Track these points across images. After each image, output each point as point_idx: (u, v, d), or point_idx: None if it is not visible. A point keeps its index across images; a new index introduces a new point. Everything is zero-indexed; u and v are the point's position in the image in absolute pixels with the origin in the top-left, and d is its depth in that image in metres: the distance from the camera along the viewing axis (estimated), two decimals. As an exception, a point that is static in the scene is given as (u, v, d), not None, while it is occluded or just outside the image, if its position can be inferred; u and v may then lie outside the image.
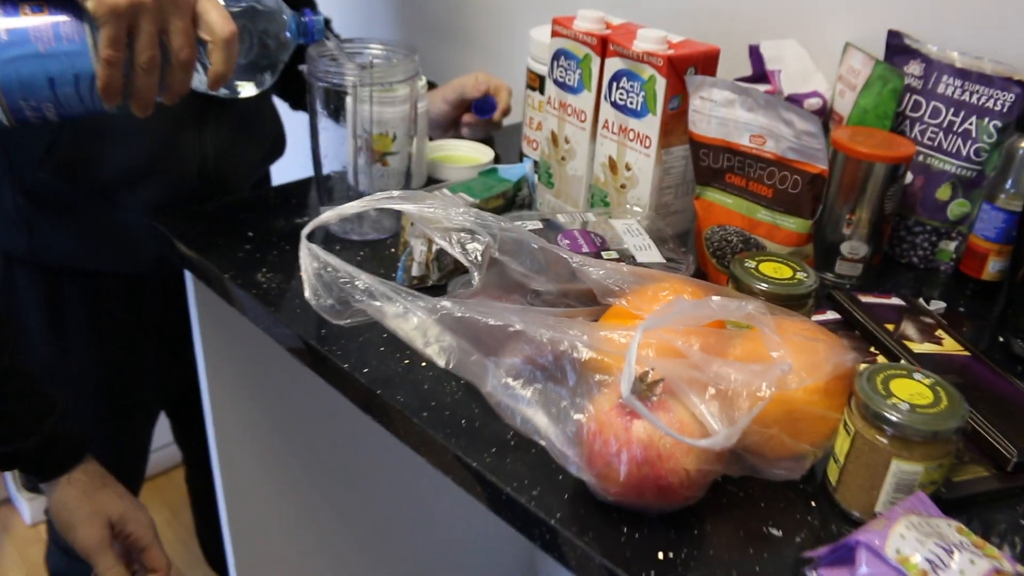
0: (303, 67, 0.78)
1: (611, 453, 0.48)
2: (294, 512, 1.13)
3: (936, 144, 0.83)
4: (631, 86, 0.76)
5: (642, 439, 0.48)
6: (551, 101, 0.85)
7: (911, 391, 0.51)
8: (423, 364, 0.64)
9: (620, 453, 0.48)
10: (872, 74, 0.84)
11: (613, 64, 0.77)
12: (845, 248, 0.80)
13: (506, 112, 1.05)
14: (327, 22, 1.11)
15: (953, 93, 0.81)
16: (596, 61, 0.79)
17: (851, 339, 0.71)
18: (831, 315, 0.74)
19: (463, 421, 0.59)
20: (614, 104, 0.78)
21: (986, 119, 0.79)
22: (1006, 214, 0.78)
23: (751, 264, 0.64)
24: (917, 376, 0.52)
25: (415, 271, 0.73)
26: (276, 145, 1.11)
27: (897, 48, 0.86)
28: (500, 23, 1.31)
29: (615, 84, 0.77)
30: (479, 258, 0.57)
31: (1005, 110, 0.79)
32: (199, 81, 0.68)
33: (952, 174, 0.82)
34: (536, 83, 0.96)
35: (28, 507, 1.84)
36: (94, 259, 0.94)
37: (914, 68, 0.84)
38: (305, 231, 0.55)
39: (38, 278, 0.94)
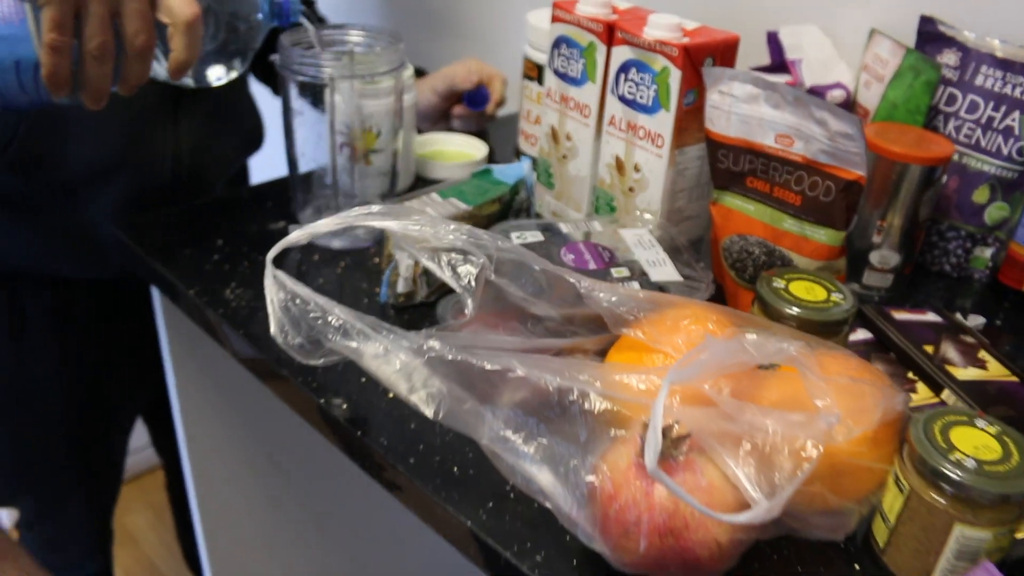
0: (274, 57, 0.70)
1: (629, 521, 0.41)
2: (271, 523, 1.08)
3: (973, 142, 0.76)
4: (641, 78, 0.68)
5: (665, 505, 0.41)
6: (551, 94, 0.77)
7: (975, 443, 0.44)
8: (410, 397, 0.57)
9: (639, 521, 0.41)
10: (902, 64, 0.77)
11: (621, 54, 0.69)
12: (874, 257, 0.73)
13: (500, 104, 0.97)
14: (309, 2, 1.03)
15: (993, 86, 0.74)
16: (602, 50, 0.71)
17: (886, 363, 0.64)
18: (862, 334, 0.67)
19: (455, 468, 0.52)
20: (622, 98, 0.70)
21: (1031, 115, 0.72)
22: (1052, 220, 0.71)
23: (780, 284, 0.57)
24: (980, 424, 0.45)
25: (401, 287, 0.65)
26: (254, 137, 1.04)
27: (930, 35, 0.78)
28: (493, 6, 1.22)
29: (623, 76, 0.70)
30: (472, 283, 0.50)
31: (1052, 105, 0.71)
32: (159, 69, 0.60)
33: (990, 175, 0.75)
34: (534, 73, 0.88)
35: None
36: (56, 263, 0.88)
37: (949, 58, 0.76)
38: (271, 254, 0.48)
39: (-7, 284, 0.87)
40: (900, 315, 0.68)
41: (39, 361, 0.92)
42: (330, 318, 0.44)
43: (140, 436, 1.19)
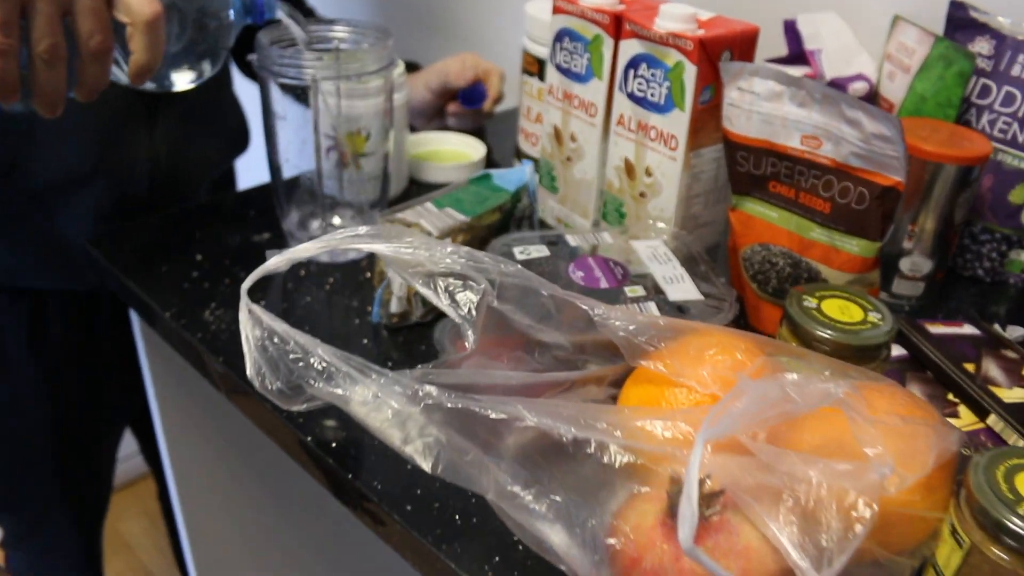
0: (252, 57, 0.65)
1: (655, 589, 0.36)
2: (257, 534, 1.04)
3: (1009, 137, 0.70)
4: (652, 75, 0.63)
5: (697, 572, 0.36)
6: (553, 91, 0.71)
7: (1044, 491, 0.39)
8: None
9: (667, 590, 0.36)
10: (931, 54, 0.71)
11: (630, 47, 0.64)
12: (905, 264, 0.68)
13: (498, 100, 0.92)
14: None
15: (1031, 76, 0.68)
16: (608, 43, 0.65)
17: (922, 383, 0.59)
18: (895, 350, 0.62)
19: (456, 517, 0.47)
20: (631, 96, 0.65)
21: (1073, 108, 0.67)
22: (1097, 222, 0.66)
23: (811, 303, 0.52)
24: (1048, 467, 0.40)
25: (394, 307, 0.60)
26: (239, 138, 0.99)
27: (961, 21, 0.72)
28: (489, -6, 1.16)
29: (632, 72, 0.64)
30: (473, 312, 0.44)
31: (1097, 97, 0.66)
32: (120, 74, 0.55)
33: (1028, 173, 0.70)
34: (534, 68, 0.83)
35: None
36: (29, 276, 0.84)
37: (981, 46, 0.71)
38: (245, 285, 0.42)
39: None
40: (935, 328, 0.63)
41: (16, 375, 0.87)
42: (312, 359, 0.39)
43: (133, 443, 1.16)
